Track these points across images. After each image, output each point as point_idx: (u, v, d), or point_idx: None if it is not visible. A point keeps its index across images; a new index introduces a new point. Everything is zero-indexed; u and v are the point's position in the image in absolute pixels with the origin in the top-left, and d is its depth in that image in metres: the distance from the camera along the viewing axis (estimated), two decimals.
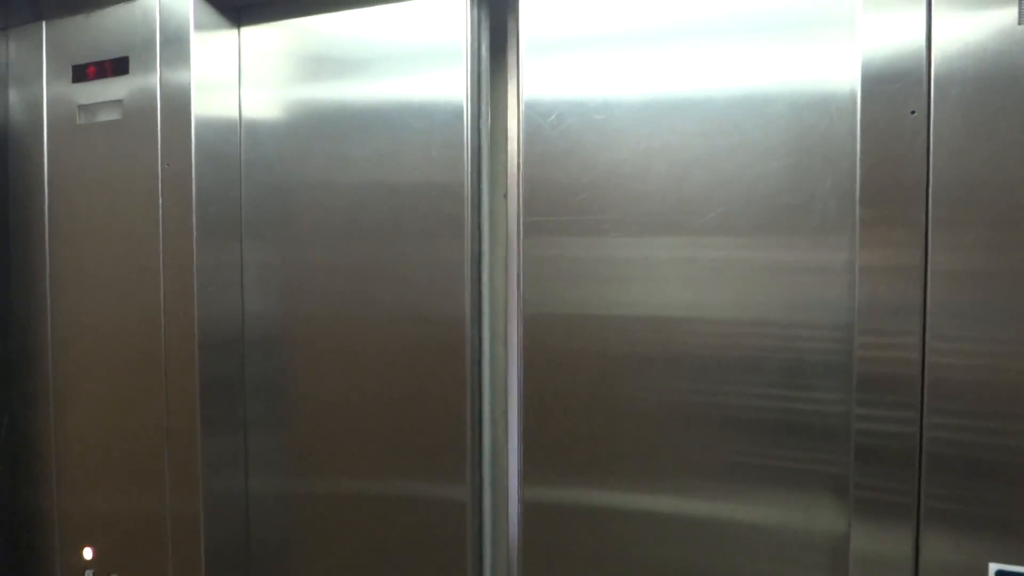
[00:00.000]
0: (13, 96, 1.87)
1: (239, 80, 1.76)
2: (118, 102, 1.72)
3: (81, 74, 1.77)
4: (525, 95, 1.49)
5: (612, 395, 1.45)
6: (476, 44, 1.57)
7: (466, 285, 1.57)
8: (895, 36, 1.18)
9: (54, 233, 1.83)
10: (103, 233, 1.76)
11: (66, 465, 1.85)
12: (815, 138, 1.29)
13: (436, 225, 1.59)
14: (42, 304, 1.85)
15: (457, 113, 1.56)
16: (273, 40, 1.74)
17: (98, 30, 1.75)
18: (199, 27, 1.67)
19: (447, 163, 1.57)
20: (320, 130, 1.69)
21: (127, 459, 1.77)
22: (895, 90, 1.18)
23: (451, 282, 1.58)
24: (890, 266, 1.20)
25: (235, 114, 1.76)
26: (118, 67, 1.72)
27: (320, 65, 1.69)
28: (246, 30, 1.76)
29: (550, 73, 1.48)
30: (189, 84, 1.65)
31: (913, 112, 1.17)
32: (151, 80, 1.69)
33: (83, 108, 1.77)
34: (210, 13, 1.70)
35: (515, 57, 1.57)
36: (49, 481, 1.87)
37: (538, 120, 1.48)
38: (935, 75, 1.16)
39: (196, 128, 1.65)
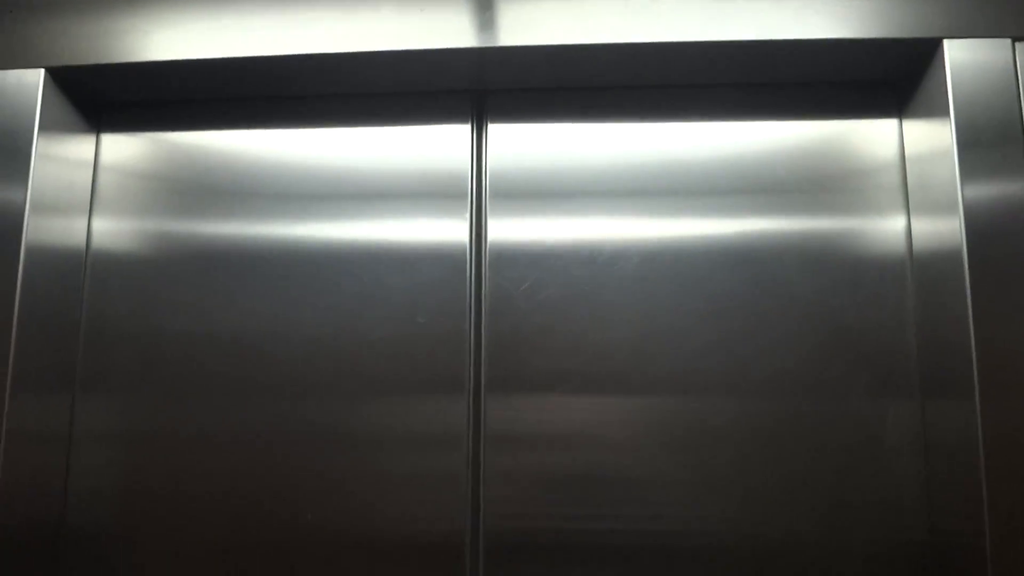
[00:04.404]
0: None
1: (92, 204, 1.40)
2: None
3: None
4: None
5: None
6: (480, 187, 1.33)
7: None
8: None
9: None
10: None
11: None
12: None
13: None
14: None
15: (460, 267, 1.30)
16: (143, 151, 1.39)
17: None
18: (44, 127, 1.30)
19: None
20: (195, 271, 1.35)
21: None
22: None
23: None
24: None
25: (82, 245, 1.39)
26: None
27: (203, 193, 1.37)
28: (108, 136, 1.41)
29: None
30: (24, 205, 1.26)
31: None
32: None
33: None
34: (65, 108, 1.34)
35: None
36: None
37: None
38: None
39: (25, 262, 1.26)
